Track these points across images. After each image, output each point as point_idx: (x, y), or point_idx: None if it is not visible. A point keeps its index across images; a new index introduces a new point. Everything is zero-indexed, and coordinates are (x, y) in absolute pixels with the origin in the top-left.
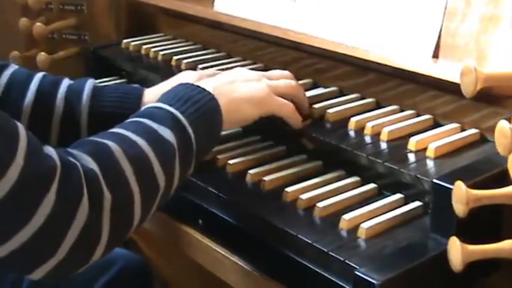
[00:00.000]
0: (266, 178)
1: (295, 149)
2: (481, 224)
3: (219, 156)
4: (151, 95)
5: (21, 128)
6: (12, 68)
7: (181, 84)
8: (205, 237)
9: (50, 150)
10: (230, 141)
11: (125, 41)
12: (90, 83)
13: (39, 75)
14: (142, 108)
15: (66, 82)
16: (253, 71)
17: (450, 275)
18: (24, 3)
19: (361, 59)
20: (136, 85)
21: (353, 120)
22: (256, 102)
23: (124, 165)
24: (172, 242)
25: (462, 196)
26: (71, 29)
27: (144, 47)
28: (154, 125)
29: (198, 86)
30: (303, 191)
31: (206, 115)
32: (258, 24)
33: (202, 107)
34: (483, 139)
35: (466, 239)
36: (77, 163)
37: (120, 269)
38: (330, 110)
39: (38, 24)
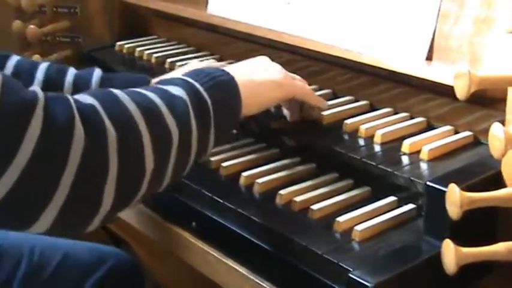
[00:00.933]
0: (260, 180)
1: (289, 151)
2: (475, 227)
3: (213, 159)
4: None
5: None
6: (15, 58)
7: (199, 67)
8: (198, 240)
9: (35, 87)
10: (224, 144)
11: (118, 43)
12: (98, 71)
13: (44, 64)
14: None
15: (72, 70)
16: (269, 59)
17: (444, 277)
18: (17, 5)
19: (354, 61)
20: (142, 75)
21: (347, 122)
22: (277, 84)
23: (130, 106)
24: (166, 244)
25: (456, 199)
26: (64, 31)
27: (138, 49)
28: (165, 86)
29: (218, 68)
30: (297, 194)
31: (222, 85)
32: (251, 26)
33: (218, 78)
34: (477, 142)
35: (459, 241)
36: (69, 98)
37: (110, 268)
38: (324, 113)
39: (32, 26)
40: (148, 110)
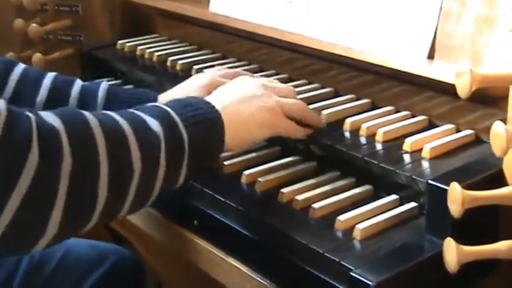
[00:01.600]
0: (261, 179)
1: (290, 149)
2: (477, 225)
3: None
4: (165, 96)
5: None
6: (22, 66)
7: (189, 96)
8: (200, 238)
9: (0, 101)
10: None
11: (120, 41)
12: (104, 85)
13: (51, 74)
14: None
15: (79, 82)
16: (264, 83)
17: (445, 276)
18: (19, 4)
19: (356, 59)
20: (149, 90)
21: (348, 121)
22: (264, 123)
23: (95, 132)
24: (167, 242)
25: (457, 197)
26: (66, 29)
27: (139, 47)
28: (143, 115)
29: (206, 101)
30: (299, 192)
31: (205, 122)
32: (253, 25)
33: (201, 115)
34: (478, 140)
35: (461, 240)
36: (32, 116)
37: (112, 265)
38: (325, 111)
39: (33, 25)
40: (114, 139)
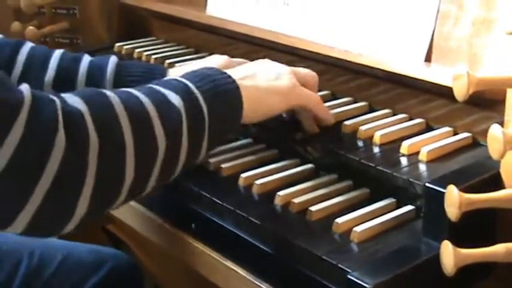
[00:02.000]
0: (258, 182)
1: (288, 152)
2: (474, 228)
3: (211, 160)
4: (178, 71)
5: None
6: (29, 44)
7: (205, 67)
8: (197, 241)
9: (23, 86)
10: (222, 145)
11: (117, 44)
12: (113, 59)
13: (59, 51)
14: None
15: (87, 58)
16: (280, 64)
17: (442, 279)
18: (16, 7)
19: (353, 62)
20: (158, 65)
21: (345, 124)
22: (282, 94)
23: (119, 112)
24: (165, 245)
25: (455, 200)
26: (63, 32)
27: (137, 50)
28: (164, 90)
29: (224, 72)
30: (296, 195)
31: (223, 94)
32: (250, 28)
33: (220, 86)
34: (475, 143)
35: (458, 243)
36: (56, 100)
37: (110, 269)
38: None
39: (31, 28)
40: (138, 118)
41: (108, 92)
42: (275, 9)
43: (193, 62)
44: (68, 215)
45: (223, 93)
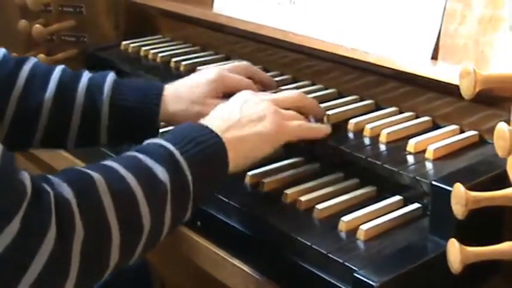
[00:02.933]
0: (265, 180)
1: (294, 150)
2: (480, 226)
3: None
4: (172, 90)
5: None
6: (32, 61)
7: (188, 124)
8: (203, 239)
9: (24, 175)
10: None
11: (124, 42)
12: (111, 76)
13: (59, 68)
14: (144, 143)
15: (86, 75)
16: (260, 99)
17: (449, 277)
18: (23, 4)
19: (360, 60)
20: (155, 82)
21: (352, 122)
22: (269, 138)
23: (105, 199)
24: (170, 243)
25: (461, 198)
26: (70, 30)
27: (143, 48)
28: (149, 162)
29: (206, 127)
30: (302, 193)
31: (209, 157)
32: (257, 26)
33: (206, 148)
34: (482, 141)
35: (465, 240)
36: (51, 191)
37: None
38: (329, 112)
39: (37, 25)
40: (124, 200)
41: (94, 174)
42: (282, 7)
43: (184, 81)
44: None
45: (209, 155)
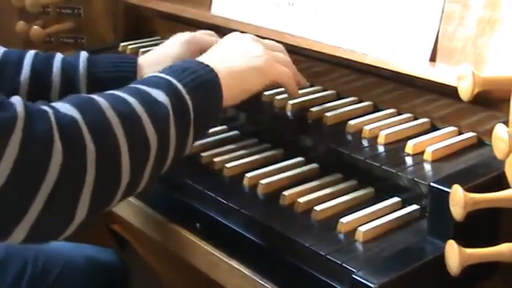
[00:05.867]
0: (263, 181)
1: (293, 151)
2: (479, 228)
3: (216, 159)
4: (147, 58)
5: None
6: (2, 48)
7: (182, 60)
8: (202, 241)
9: (15, 99)
10: (227, 144)
11: (122, 44)
12: (84, 54)
13: (31, 52)
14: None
15: (59, 56)
16: (250, 38)
17: (447, 278)
18: (21, 6)
19: (358, 62)
20: (128, 56)
21: (350, 123)
22: (259, 72)
23: (110, 116)
24: (169, 245)
25: (459, 199)
26: (68, 32)
27: (142, 50)
28: (148, 88)
29: (200, 62)
30: (301, 195)
31: (204, 84)
32: (255, 27)
33: (200, 77)
34: (480, 142)
35: (463, 242)
36: (49, 110)
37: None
38: (328, 113)
39: (35, 27)
40: (128, 119)
41: (97, 97)
42: (280, 9)
43: (157, 47)
44: (67, 221)
45: (204, 83)
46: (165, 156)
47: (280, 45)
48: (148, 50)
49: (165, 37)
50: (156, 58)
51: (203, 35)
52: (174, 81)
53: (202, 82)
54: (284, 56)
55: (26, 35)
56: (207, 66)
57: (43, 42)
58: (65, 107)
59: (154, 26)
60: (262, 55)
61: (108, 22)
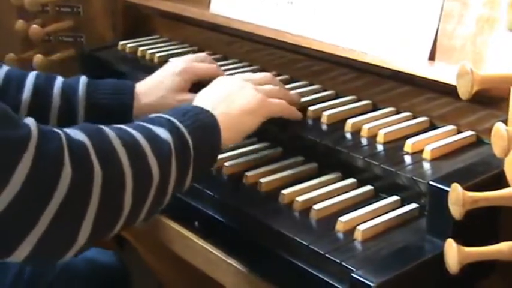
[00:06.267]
0: (262, 180)
1: (292, 150)
2: (478, 226)
3: None
4: (143, 86)
5: None
6: (6, 67)
7: (179, 106)
8: (201, 239)
9: (28, 120)
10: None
11: (121, 42)
12: (84, 78)
13: (33, 73)
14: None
15: (60, 78)
16: (239, 78)
17: (446, 277)
18: (20, 5)
19: (357, 61)
20: (126, 81)
21: (349, 122)
22: (254, 111)
23: (116, 144)
24: (168, 243)
25: (458, 198)
26: (67, 31)
27: (141, 49)
28: (152, 126)
29: (200, 107)
30: (300, 193)
31: (204, 127)
32: (254, 26)
33: (200, 120)
34: (479, 141)
35: (462, 241)
36: (60, 133)
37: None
38: (326, 112)
39: (34, 26)
40: (133, 150)
41: (104, 127)
42: (279, 8)
43: (152, 76)
44: (70, 242)
45: (204, 125)
46: (165, 190)
47: (268, 74)
48: (147, 49)
49: (164, 36)
50: (152, 87)
51: (196, 64)
52: (176, 121)
53: (202, 124)
54: (273, 88)
55: (25, 34)
56: (207, 111)
57: (42, 41)
58: (74, 132)
59: (153, 25)
60: (254, 95)
61: (107, 21)
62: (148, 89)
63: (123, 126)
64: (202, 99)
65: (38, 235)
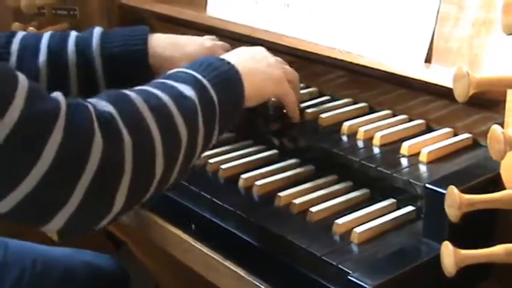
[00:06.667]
0: (259, 183)
1: (288, 153)
2: (474, 229)
3: (211, 161)
4: (162, 39)
5: (21, 74)
6: (21, 34)
7: (204, 57)
8: (197, 242)
9: (56, 94)
10: (222, 146)
11: None
12: (98, 29)
13: (47, 34)
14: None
15: (73, 34)
16: (265, 49)
17: (443, 280)
18: (16, 7)
19: (354, 63)
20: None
21: (345, 125)
22: (275, 80)
23: (144, 111)
24: (165, 246)
25: (455, 201)
26: None
27: None
28: (175, 84)
29: (222, 59)
30: (296, 196)
31: (228, 81)
32: (251, 29)
33: (224, 73)
34: (476, 144)
35: (458, 243)
36: (88, 104)
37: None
38: (323, 115)
39: (31, 28)
40: (160, 112)
41: (130, 93)
42: (276, 10)
43: (178, 36)
44: (106, 211)
45: (227, 80)
46: (194, 149)
47: (296, 74)
48: None
49: None
50: (172, 43)
51: (220, 49)
52: (199, 76)
53: (225, 78)
54: (293, 73)
55: None
56: (229, 63)
57: None
58: (100, 103)
59: (149, 27)
60: (279, 68)
61: (104, 23)
62: (168, 43)
63: (148, 88)
64: (229, 55)
65: (73, 206)
